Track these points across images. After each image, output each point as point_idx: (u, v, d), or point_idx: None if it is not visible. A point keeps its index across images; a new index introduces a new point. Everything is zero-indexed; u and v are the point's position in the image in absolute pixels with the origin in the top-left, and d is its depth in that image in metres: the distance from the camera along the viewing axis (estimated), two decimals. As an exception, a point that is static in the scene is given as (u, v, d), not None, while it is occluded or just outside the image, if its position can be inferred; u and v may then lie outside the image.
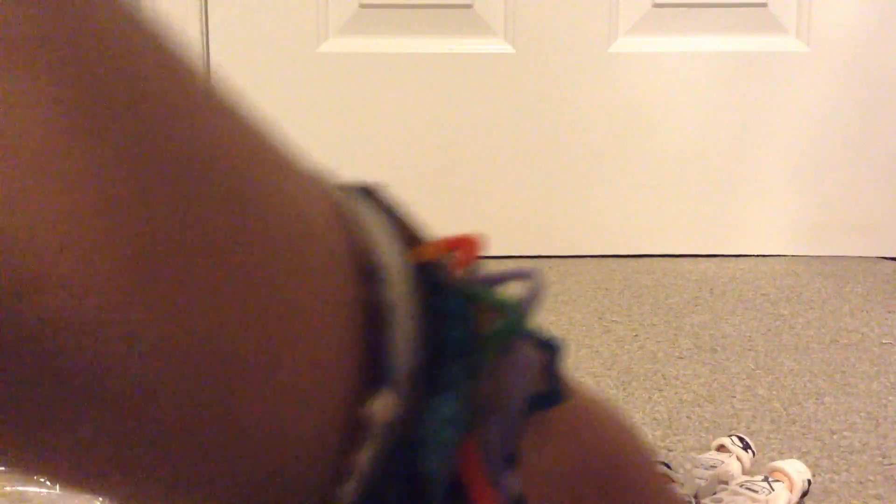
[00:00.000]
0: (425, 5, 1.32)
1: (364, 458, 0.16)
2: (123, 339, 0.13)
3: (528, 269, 0.20)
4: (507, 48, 1.34)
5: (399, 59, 1.33)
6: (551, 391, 0.20)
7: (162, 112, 0.15)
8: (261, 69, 1.33)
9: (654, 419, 0.73)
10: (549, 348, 0.20)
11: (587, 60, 1.33)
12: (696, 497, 0.55)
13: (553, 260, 1.34)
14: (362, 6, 1.33)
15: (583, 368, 0.85)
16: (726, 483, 0.56)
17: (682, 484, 0.55)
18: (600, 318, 1.03)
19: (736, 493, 0.54)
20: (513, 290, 0.20)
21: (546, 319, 1.02)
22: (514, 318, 0.19)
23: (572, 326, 1.00)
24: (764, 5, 1.32)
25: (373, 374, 0.16)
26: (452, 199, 1.33)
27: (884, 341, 0.94)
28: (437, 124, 1.34)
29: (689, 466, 0.56)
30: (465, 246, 0.19)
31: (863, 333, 0.97)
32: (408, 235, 0.18)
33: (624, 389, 0.79)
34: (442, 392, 0.17)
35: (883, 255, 1.36)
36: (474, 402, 0.17)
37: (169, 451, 0.14)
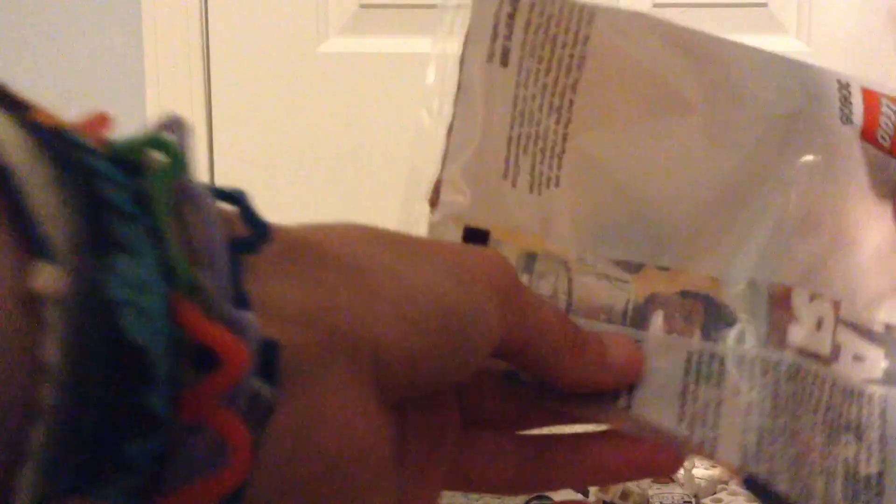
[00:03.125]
0: (425, 5, 1.32)
1: (50, 347, 0.14)
2: None
3: (167, 118, 0.18)
4: (507, 48, 1.33)
5: (399, 59, 1.33)
6: (253, 232, 0.19)
7: None
8: (261, 69, 1.33)
9: (654, 419, 0.73)
10: (233, 197, 0.19)
11: (587, 60, 1.33)
12: (696, 497, 0.55)
13: (553, 260, 1.34)
14: (362, 6, 1.33)
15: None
16: (726, 483, 0.56)
17: (682, 484, 0.56)
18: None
19: (736, 493, 0.54)
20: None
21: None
22: (174, 156, 0.17)
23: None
24: (764, 5, 1.32)
25: (26, 249, 0.15)
26: (452, 199, 1.33)
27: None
28: (437, 124, 1.34)
29: (688, 466, 0.57)
30: (92, 123, 0.17)
31: (863, 333, 0.97)
32: (14, 103, 0.16)
33: (624, 389, 0.79)
34: (119, 253, 0.15)
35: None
36: (168, 260, 0.16)
37: None
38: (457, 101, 0.27)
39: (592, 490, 0.55)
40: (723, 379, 0.25)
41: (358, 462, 0.20)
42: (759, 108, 0.28)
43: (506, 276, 0.22)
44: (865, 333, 0.28)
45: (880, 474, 0.26)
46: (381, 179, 1.34)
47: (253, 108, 1.34)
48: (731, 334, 0.26)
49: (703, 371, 0.25)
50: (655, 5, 1.32)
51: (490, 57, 0.27)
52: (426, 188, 0.28)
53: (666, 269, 0.27)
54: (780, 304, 0.27)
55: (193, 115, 1.32)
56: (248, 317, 0.17)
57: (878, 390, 0.27)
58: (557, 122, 0.27)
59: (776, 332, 0.26)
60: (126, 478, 0.15)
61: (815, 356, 0.27)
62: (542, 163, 0.27)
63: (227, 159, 1.34)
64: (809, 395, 0.26)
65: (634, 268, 0.27)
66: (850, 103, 0.29)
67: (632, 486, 0.55)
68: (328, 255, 0.20)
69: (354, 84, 1.33)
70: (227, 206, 0.19)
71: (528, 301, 0.23)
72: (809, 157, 0.28)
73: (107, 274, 0.15)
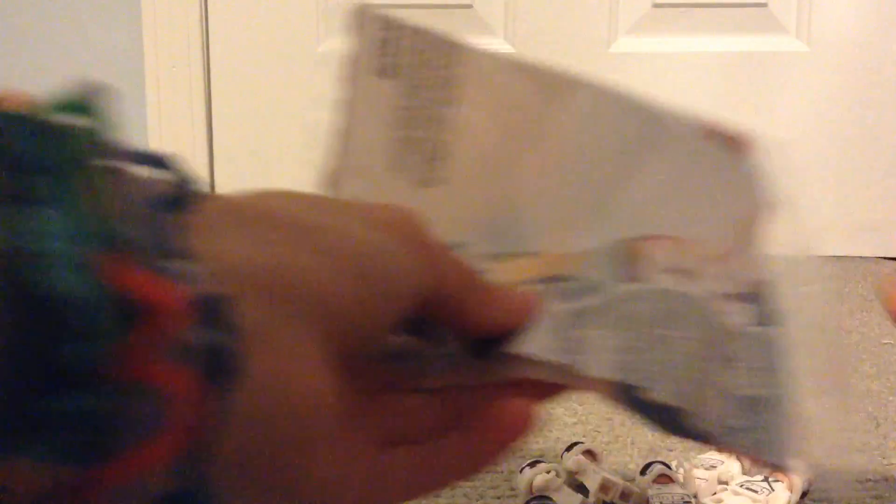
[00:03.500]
0: (425, 5, 1.32)
1: None
2: None
3: (86, 83, 0.17)
4: (508, 48, 1.33)
5: (399, 59, 1.33)
6: (180, 192, 0.18)
7: None
8: (261, 69, 1.33)
9: (654, 419, 0.72)
10: (160, 159, 0.19)
11: (587, 60, 1.33)
12: (696, 497, 0.55)
13: (553, 260, 1.34)
14: (362, 6, 1.33)
15: (583, 368, 0.85)
16: (726, 483, 0.56)
17: (683, 484, 0.55)
18: (600, 318, 1.03)
19: (736, 493, 0.54)
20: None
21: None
22: (93, 117, 0.17)
23: (572, 326, 0.99)
24: (764, 5, 1.32)
25: None
26: (452, 199, 1.33)
27: (884, 341, 0.94)
28: (437, 124, 1.34)
29: (688, 466, 0.56)
30: (7, 97, 0.17)
31: (863, 333, 0.97)
32: None
33: (624, 389, 0.79)
34: (35, 205, 0.15)
35: (883, 255, 1.36)
36: (94, 216, 0.15)
37: None
38: (347, 105, 0.32)
39: (592, 490, 0.55)
40: (595, 316, 0.28)
41: (320, 417, 0.20)
42: (599, 139, 0.33)
43: (415, 226, 0.24)
44: (729, 297, 0.30)
45: (776, 396, 0.28)
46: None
47: (253, 108, 1.34)
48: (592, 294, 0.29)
49: (579, 321, 0.28)
50: (655, 5, 1.32)
51: (377, 70, 0.32)
52: (323, 180, 0.31)
53: (529, 255, 0.31)
54: (632, 260, 0.30)
55: (193, 115, 1.32)
56: (184, 266, 0.17)
57: (756, 331, 0.30)
58: (439, 131, 0.32)
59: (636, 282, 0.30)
60: (56, 436, 0.15)
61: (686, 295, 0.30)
62: (427, 162, 0.32)
63: (226, 159, 1.34)
64: (685, 318, 0.29)
65: (501, 258, 0.31)
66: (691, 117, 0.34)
67: (631, 486, 0.55)
68: (268, 214, 0.21)
69: (354, 84, 1.33)
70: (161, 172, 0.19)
71: (434, 248, 0.25)
72: (657, 156, 0.33)
73: (21, 225, 0.14)
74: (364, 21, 0.32)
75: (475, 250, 0.30)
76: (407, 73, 0.32)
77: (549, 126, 0.33)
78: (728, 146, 0.34)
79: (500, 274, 0.29)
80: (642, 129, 0.33)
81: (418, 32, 0.32)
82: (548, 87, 0.33)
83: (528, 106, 0.33)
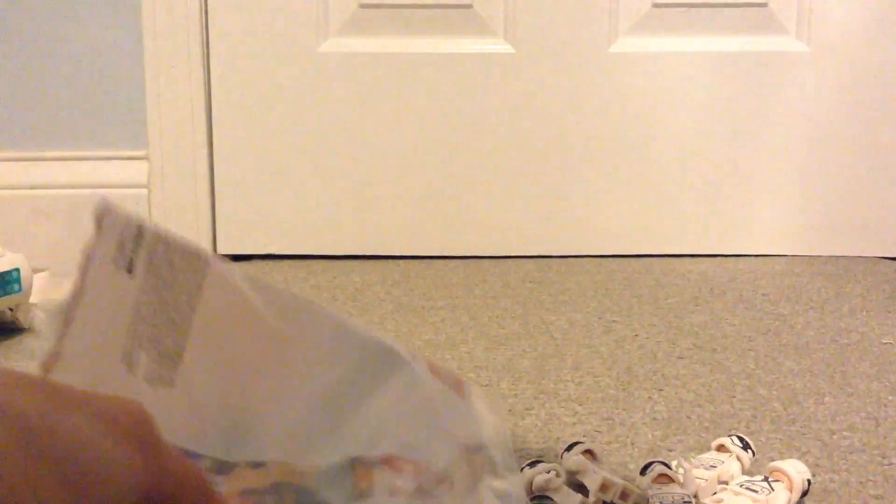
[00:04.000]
0: (425, 5, 1.32)
1: None
2: None
3: None
4: (507, 48, 1.33)
5: (399, 59, 1.33)
6: None
7: None
8: (261, 69, 1.33)
9: (654, 419, 0.73)
10: None
11: (587, 60, 1.33)
12: (696, 497, 0.55)
13: (553, 260, 1.34)
14: (362, 6, 1.33)
15: (583, 368, 0.85)
16: (726, 483, 0.56)
17: (683, 484, 0.55)
18: (600, 318, 1.03)
19: (736, 493, 0.54)
20: None
21: (546, 319, 1.02)
22: None
23: (572, 326, 1.00)
24: (764, 5, 1.32)
25: None
26: (452, 199, 1.33)
27: (884, 341, 0.94)
28: (436, 124, 1.34)
29: (688, 466, 0.56)
30: None
31: (863, 333, 0.97)
32: None
33: (624, 389, 0.79)
34: None
35: (883, 255, 1.36)
36: None
37: None
38: (79, 289, 0.31)
39: (592, 490, 0.55)
40: None
41: None
42: (336, 365, 0.34)
43: (143, 423, 0.24)
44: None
45: None
46: (381, 180, 1.34)
47: (253, 108, 1.34)
48: None
49: None
50: (655, 5, 1.32)
51: (118, 262, 0.31)
52: (41, 359, 0.30)
53: (259, 465, 0.32)
54: (362, 478, 0.32)
55: (193, 115, 1.32)
56: None
57: None
58: (175, 333, 0.32)
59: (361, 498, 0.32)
60: None
61: None
62: (157, 362, 0.32)
63: (226, 160, 1.34)
64: None
65: (227, 468, 0.31)
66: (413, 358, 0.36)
67: (631, 486, 0.55)
68: None
69: (354, 84, 1.33)
70: None
71: (167, 450, 0.25)
72: (390, 384, 0.34)
73: None
74: (108, 218, 0.31)
75: (207, 456, 0.31)
76: (150, 271, 0.32)
77: (289, 346, 0.34)
78: (449, 385, 0.36)
79: (230, 482, 0.30)
80: (377, 359, 0.35)
81: (165, 237, 0.32)
82: (288, 309, 0.34)
83: (268, 324, 0.33)
